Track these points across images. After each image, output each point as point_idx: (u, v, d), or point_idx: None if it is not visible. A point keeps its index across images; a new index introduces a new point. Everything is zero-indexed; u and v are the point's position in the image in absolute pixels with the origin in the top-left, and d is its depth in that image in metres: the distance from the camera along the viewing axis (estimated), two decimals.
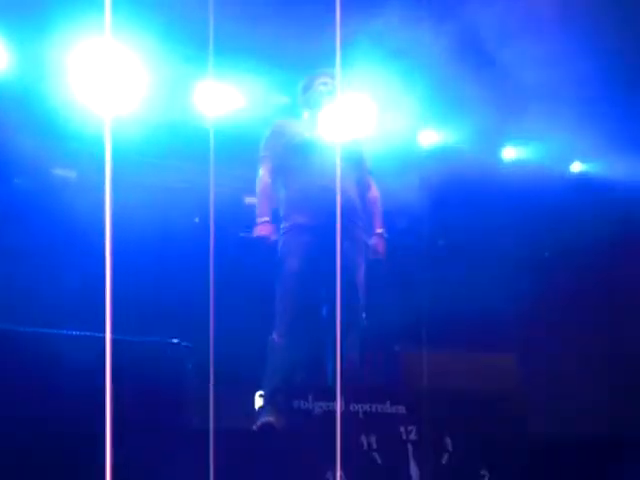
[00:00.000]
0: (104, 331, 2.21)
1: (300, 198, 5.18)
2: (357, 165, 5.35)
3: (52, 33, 6.87)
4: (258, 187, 5.22)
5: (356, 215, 5.26)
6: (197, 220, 7.50)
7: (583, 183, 9.02)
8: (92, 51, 6.81)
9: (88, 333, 3.91)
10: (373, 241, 5.37)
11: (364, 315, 5.22)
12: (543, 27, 7.01)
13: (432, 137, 8.70)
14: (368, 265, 5.32)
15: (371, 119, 7.72)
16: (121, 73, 6.97)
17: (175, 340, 4.97)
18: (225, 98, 7.65)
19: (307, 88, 5.50)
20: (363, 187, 5.42)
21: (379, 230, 5.46)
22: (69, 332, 4.00)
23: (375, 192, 5.54)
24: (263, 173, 5.25)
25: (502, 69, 7.31)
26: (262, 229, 5.11)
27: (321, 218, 5.04)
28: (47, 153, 7.31)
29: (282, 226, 5.20)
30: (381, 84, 7.54)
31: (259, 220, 5.12)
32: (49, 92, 7.09)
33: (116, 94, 6.89)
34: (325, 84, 5.38)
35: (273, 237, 5.13)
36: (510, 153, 9.06)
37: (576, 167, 9.25)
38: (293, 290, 5.10)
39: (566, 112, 7.85)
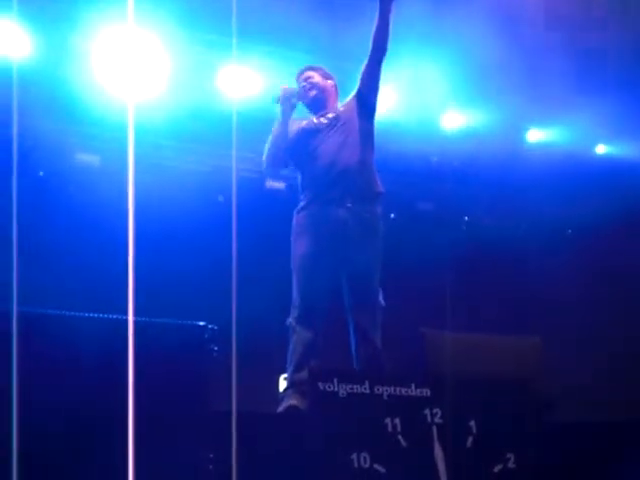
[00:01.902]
0: (127, 313, 2.23)
1: (307, 178, 5.25)
2: (362, 123, 5.33)
3: (76, 20, 6.91)
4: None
5: (362, 186, 5.23)
6: (221, 198, 7.51)
7: (607, 165, 8.99)
8: (115, 37, 6.84)
9: (114, 316, 3.94)
10: None
11: (381, 295, 5.19)
12: (567, 12, 7.00)
13: (456, 120, 8.68)
14: (382, 242, 5.27)
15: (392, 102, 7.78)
16: (144, 58, 7.00)
17: (201, 323, 4.99)
18: (247, 82, 7.67)
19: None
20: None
21: None
22: (95, 315, 4.03)
23: None
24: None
25: (527, 53, 7.30)
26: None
27: (325, 195, 5.15)
28: (71, 138, 7.36)
29: (297, 207, 5.27)
30: (406, 67, 7.55)
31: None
32: (73, 78, 7.13)
33: (139, 79, 6.93)
34: (306, 79, 5.44)
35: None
36: (533, 136, 9.03)
37: (600, 150, 9.23)
38: (303, 271, 5.13)
39: (590, 96, 7.83)
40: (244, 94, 7.58)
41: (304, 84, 5.45)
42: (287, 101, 5.30)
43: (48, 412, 3.51)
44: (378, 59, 5.30)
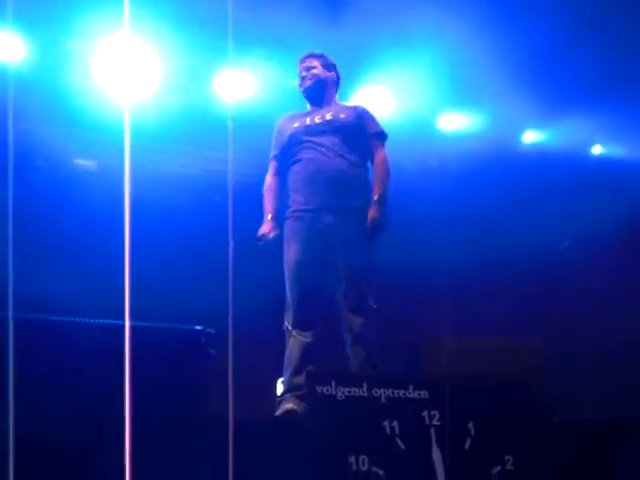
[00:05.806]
0: (124, 318, 2.23)
1: (297, 182, 5.23)
2: (356, 135, 5.28)
3: (72, 24, 6.90)
4: (263, 189, 5.33)
5: (353, 191, 5.19)
6: (218, 198, 7.47)
7: (603, 167, 8.98)
8: (112, 41, 6.84)
9: (111, 321, 3.94)
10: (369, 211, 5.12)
11: (372, 299, 5.15)
12: (559, 12, 7.01)
13: (452, 121, 8.67)
14: (376, 245, 5.24)
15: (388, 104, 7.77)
16: (140, 63, 7.00)
17: (198, 327, 4.99)
18: (243, 86, 7.66)
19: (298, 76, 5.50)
20: (367, 154, 5.36)
21: (375, 196, 5.14)
22: (91, 320, 4.04)
23: (380, 155, 5.30)
24: (268, 174, 5.37)
25: (520, 53, 7.30)
26: (262, 228, 5.19)
27: (315, 200, 5.13)
28: (68, 143, 7.35)
29: (287, 212, 5.25)
30: (401, 69, 7.55)
31: (264, 220, 5.21)
32: (70, 82, 7.13)
33: (135, 83, 6.93)
34: (308, 69, 5.38)
35: (272, 234, 5.17)
36: (530, 137, 9.02)
37: (596, 150, 9.21)
38: (295, 276, 5.11)
39: (585, 96, 7.84)
40: (240, 98, 7.58)
41: (304, 74, 5.37)
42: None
43: (45, 418, 3.51)
44: None
